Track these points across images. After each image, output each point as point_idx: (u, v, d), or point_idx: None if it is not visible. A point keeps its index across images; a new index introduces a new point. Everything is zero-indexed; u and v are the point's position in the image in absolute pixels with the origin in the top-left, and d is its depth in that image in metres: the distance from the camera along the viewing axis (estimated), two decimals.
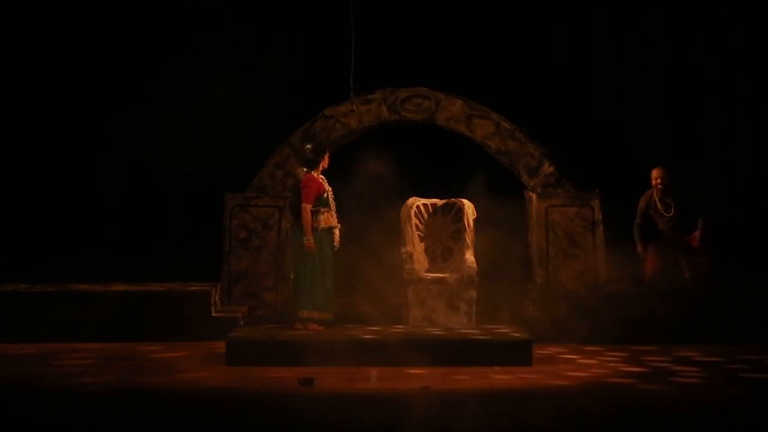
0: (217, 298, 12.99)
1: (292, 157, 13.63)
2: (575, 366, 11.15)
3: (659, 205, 13.15)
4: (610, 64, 14.34)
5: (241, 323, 12.53)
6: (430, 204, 13.10)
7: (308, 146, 12.06)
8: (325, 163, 11.94)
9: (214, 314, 12.75)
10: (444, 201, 13.10)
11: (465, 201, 13.00)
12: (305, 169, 11.92)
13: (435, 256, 13.01)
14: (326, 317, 11.79)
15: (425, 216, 13.07)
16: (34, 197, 14.09)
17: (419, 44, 14.14)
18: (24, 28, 14.20)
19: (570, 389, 10.07)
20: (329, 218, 11.84)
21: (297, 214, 11.81)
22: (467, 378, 10.54)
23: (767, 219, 14.11)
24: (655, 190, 13.19)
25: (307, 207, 11.71)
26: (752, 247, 13.93)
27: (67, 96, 14.15)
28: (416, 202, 13.06)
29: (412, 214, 12.98)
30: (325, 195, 11.83)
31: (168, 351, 11.94)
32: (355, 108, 13.44)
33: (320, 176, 11.90)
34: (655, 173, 13.14)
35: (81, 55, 14.10)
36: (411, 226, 12.93)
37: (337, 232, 11.88)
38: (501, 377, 10.56)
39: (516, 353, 11.14)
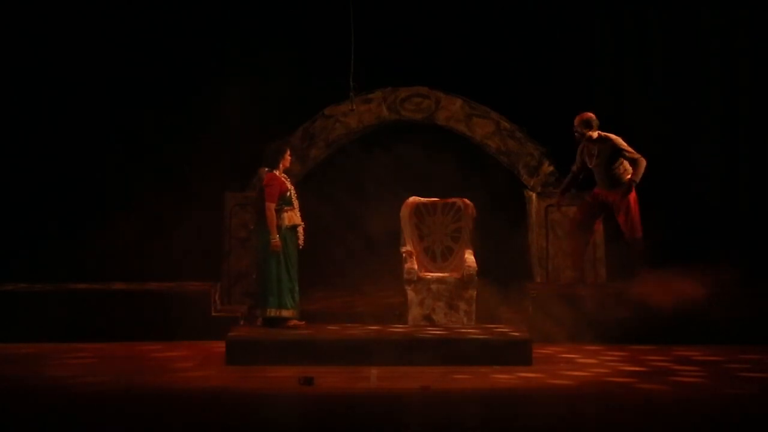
0: (217, 298, 12.99)
1: (292, 156, 13.63)
2: (575, 366, 11.15)
3: (585, 154, 12.96)
4: (610, 64, 14.34)
5: (241, 323, 12.54)
6: (430, 204, 13.11)
7: (270, 145, 11.99)
8: (286, 162, 11.94)
9: (214, 314, 12.75)
10: (444, 201, 13.10)
11: (465, 201, 13.01)
12: (267, 169, 11.89)
13: (435, 255, 13.01)
14: (293, 316, 11.80)
15: (425, 216, 13.08)
16: (35, 197, 14.08)
17: (419, 44, 14.14)
18: (24, 27, 14.19)
19: (570, 389, 10.07)
20: (293, 216, 11.85)
21: (261, 213, 11.81)
22: (467, 378, 10.54)
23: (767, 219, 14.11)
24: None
25: (271, 206, 11.71)
26: (753, 247, 13.93)
27: (67, 96, 14.15)
28: (416, 201, 13.06)
29: (413, 213, 12.98)
30: (288, 194, 11.83)
31: (168, 351, 11.95)
32: (355, 107, 13.45)
33: (282, 175, 11.89)
34: (574, 121, 12.81)
35: (81, 55, 14.10)
36: (411, 225, 12.94)
37: (301, 230, 11.89)
38: (501, 377, 10.56)
39: (516, 353, 11.14)
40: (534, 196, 13.58)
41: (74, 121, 14.14)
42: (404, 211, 12.98)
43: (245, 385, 10.22)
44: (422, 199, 13.10)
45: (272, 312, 11.75)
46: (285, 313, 11.77)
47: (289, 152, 12.03)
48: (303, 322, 11.89)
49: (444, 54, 14.17)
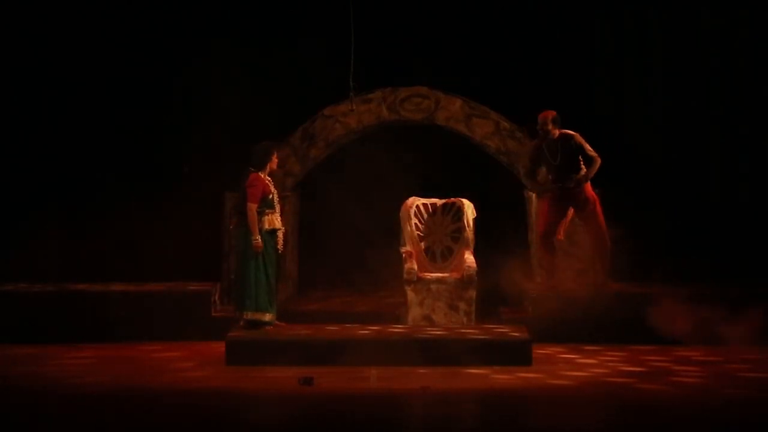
0: (217, 298, 12.99)
1: (292, 156, 13.65)
2: (575, 366, 11.16)
3: (546, 152, 12.96)
4: (610, 64, 14.33)
5: (241, 323, 12.52)
6: (430, 204, 13.10)
7: (257, 145, 11.93)
8: (273, 165, 11.87)
9: (214, 314, 12.75)
10: (444, 201, 13.10)
11: (465, 201, 13.01)
12: (252, 169, 11.83)
13: (435, 256, 13.01)
14: (270, 319, 11.75)
15: (425, 216, 13.07)
16: (34, 197, 14.07)
17: (419, 44, 14.13)
18: (24, 27, 14.18)
19: (569, 389, 10.08)
20: (273, 220, 11.78)
21: (242, 214, 11.76)
22: (467, 378, 10.54)
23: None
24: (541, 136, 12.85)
25: (252, 207, 11.65)
26: (753, 247, 13.92)
27: (67, 96, 14.15)
28: (416, 201, 13.06)
29: (412, 213, 12.98)
30: (270, 196, 11.76)
31: (168, 351, 11.95)
32: (354, 107, 13.44)
33: (267, 177, 11.83)
34: (540, 118, 12.68)
35: (81, 55, 14.09)
36: (411, 225, 12.94)
37: (281, 234, 11.83)
38: (501, 377, 10.57)
39: (515, 353, 11.14)
40: (534, 196, 13.57)
41: (74, 121, 14.13)
42: (404, 212, 12.98)
43: (245, 385, 10.23)
44: (422, 199, 13.10)
45: (249, 315, 11.70)
46: (263, 317, 11.69)
47: (276, 155, 11.96)
48: (283, 324, 11.87)
49: (444, 54, 14.17)
